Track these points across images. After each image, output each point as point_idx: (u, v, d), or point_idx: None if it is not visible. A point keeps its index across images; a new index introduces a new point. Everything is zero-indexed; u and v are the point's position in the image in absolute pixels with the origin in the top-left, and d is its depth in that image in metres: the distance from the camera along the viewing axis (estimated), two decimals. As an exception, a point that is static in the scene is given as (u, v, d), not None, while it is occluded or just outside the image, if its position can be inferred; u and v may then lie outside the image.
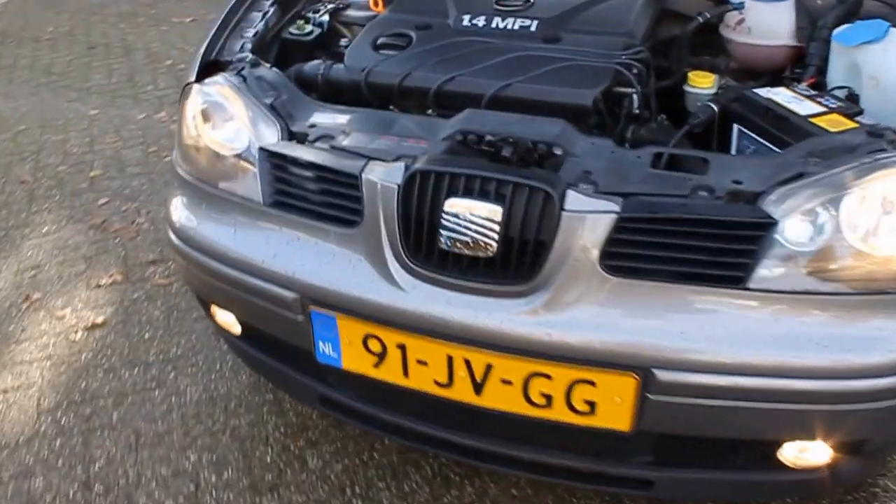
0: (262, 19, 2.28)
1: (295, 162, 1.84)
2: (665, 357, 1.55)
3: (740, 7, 2.10)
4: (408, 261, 1.69)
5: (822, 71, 2.05)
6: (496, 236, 1.60)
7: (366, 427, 2.07)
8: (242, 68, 2.08)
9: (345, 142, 1.83)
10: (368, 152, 1.77)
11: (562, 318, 1.60)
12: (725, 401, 1.56)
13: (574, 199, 1.57)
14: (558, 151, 1.68)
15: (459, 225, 1.62)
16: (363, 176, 1.72)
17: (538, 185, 1.57)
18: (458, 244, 1.62)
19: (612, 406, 1.63)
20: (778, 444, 1.68)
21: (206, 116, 2.03)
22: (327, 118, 1.93)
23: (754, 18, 2.10)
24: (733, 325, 1.55)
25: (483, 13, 2.17)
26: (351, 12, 2.48)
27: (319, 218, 1.81)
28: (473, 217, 1.61)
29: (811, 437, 1.62)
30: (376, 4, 2.38)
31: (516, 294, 1.62)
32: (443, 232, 1.63)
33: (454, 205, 1.62)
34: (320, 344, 1.85)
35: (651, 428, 1.65)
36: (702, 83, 2.09)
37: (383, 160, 1.74)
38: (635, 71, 1.94)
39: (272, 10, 2.32)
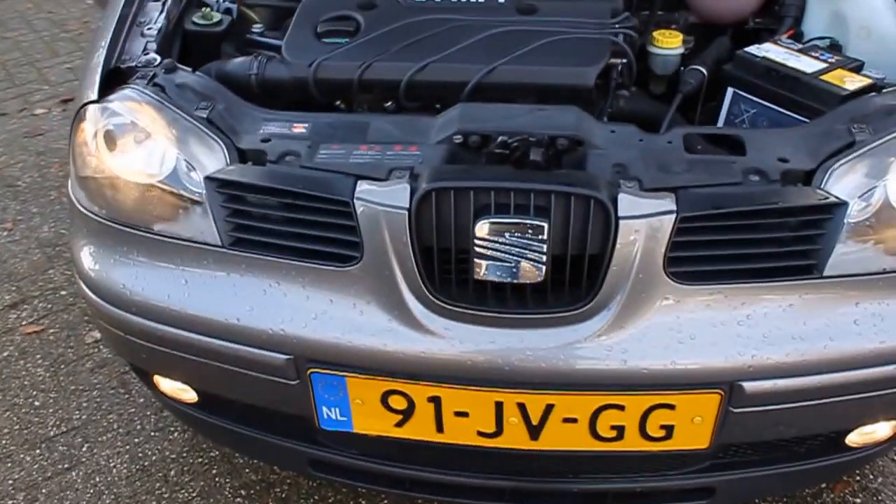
0: (161, 11, 1.85)
1: (259, 190, 1.49)
2: (751, 366, 1.38)
3: (706, -42, 1.93)
4: (435, 299, 1.41)
5: (799, 21, 1.93)
6: (544, 257, 1.35)
7: (371, 487, 1.77)
8: (154, 75, 1.66)
9: (316, 157, 1.49)
10: (351, 169, 1.45)
11: (632, 339, 1.39)
12: (813, 400, 1.43)
13: (627, 203, 1.35)
14: (581, 145, 1.44)
15: (498, 249, 1.35)
16: (355, 201, 1.41)
17: (588, 192, 1.33)
18: (499, 272, 1.36)
19: (692, 427, 1.45)
20: (851, 430, 1.58)
21: (110, 140, 1.62)
22: (281, 129, 1.57)
23: (722, -31, 1.94)
24: (815, 319, 1.40)
25: None
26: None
27: (304, 256, 1.48)
28: (514, 238, 1.35)
29: (894, 418, 1.52)
30: None
31: (575, 319, 1.39)
32: (478, 260, 1.36)
33: (488, 226, 1.35)
34: (324, 410, 1.54)
35: (730, 440, 1.49)
36: (669, 43, 1.89)
37: (374, 178, 1.43)
38: (628, 40, 1.72)
39: None
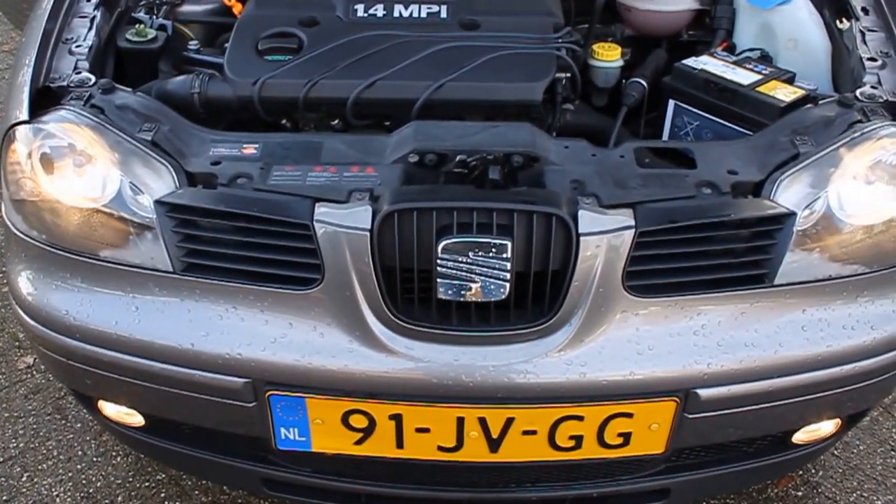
0: (90, 28, 1.79)
1: (214, 214, 1.46)
2: (706, 374, 1.43)
3: (642, -28, 1.98)
4: (397, 319, 1.41)
5: (730, 33, 1.99)
6: (508, 275, 1.36)
7: (325, 503, 1.76)
8: (91, 96, 1.61)
9: (270, 180, 1.47)
10: (309, 191, 1.44)
11: (592, 352, 1.42)
12: (764, 404, 1.49)
13: (588, 220, 1.37)
14: (538, 161, 1.47)
15: (461, 269, 1.36)
16: (315, 223, 1.40)
17: (550, 210, 1.35)
18: (462, 292, 1.37)
19: (648, 433, 1.49)
20: (798, 429, 1.64)
21: (47, 163, 1.56)
22: (231, 150, 1.54)
23: (657, -17, 1.99)
24: (766, 326, 1.46)
25: (378, 0, 1.86)
26: (187, 7, 2.04)
27: (261, 280, 1.46)
28: (477, 257, 1.36)
29: (838, 416, 1.60)
30: None
31: (537, 335, 1.41)
32: (441, 280, 1.37)
33: (451, 246, 1.35)
34: (282, 431, 1.53)
35: (685, 444, 1.54)
36: (609, 56, 1.94)
37: (333, 200, 1.42)
38: (572, 54, 1.75)
39: (98, 13, 1.82)
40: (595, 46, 1.95)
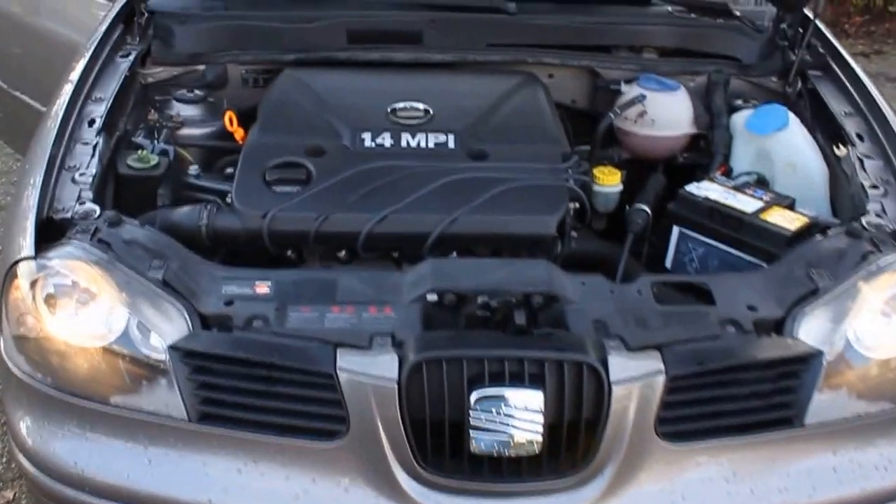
0: (93, 155, 1.74)
1: (232, 362, 1.41)
2: None
3: (641, 99, 2.02)
4: (427, 473, 1.36)
5: (727, 157, 2.03)
6: (541, 428, 1.34)
7: None
8: (97, 230, 1.56)
9: (287, 322, 1.43)
10: (329, 335, 1.41)
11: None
12: None
13: (618, 367, 1.36)
14: (557, 301, 1.46)
15: (493, 421, 1.33)
16: (339, 372, 1.36)
17: (582, 358, 1.34)
18: (495, 445, 1.34)
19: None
20: None
21: (51, 301, 1.50)
22: (243, 289, 1.50)
23: (657, 110, 2.03)
24: (798, 469, 1.45)
25: (385, 129, 1.86)
26: (188, 131, 2.02)
27: (282, 432, 1.40)
28: (510, 409, 1.33)
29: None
30: (231, 123, 1.94)
31: (571, 487, 1.38)
32: (474, 433, 1.33)
33: (483, 397, 1.32)
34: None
35: None
36: (610, 181, 1.95)
37: (355, 345, 1.39)
38: (581, 184, 1.77)
39: (100, 139, 1.78)
40: (595, 171, 1.96)
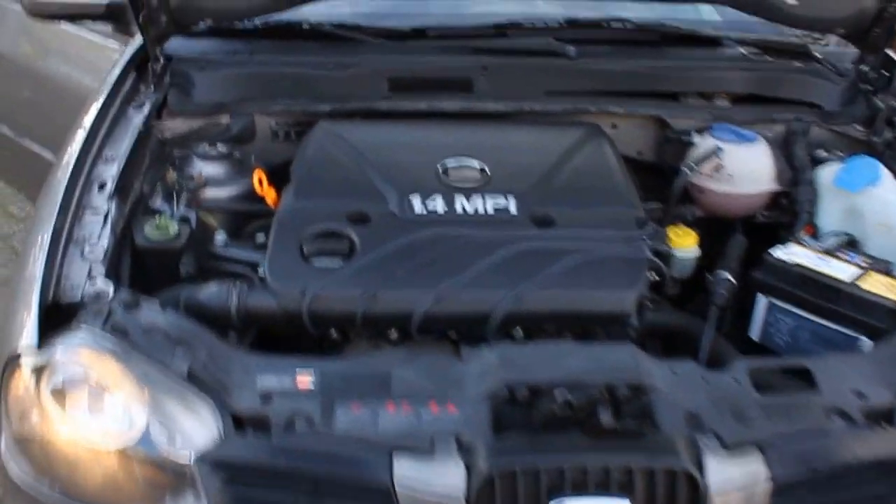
0: (104, 224, 1.55)
1: (271, 475, 1.21)
2: None
3: (718, 152, 1.81)
4: None
5: (812, 215, 1.83)
6: (630, 544, 1.13)
7: None
8: (111, 312, 1.36)
9: (336, 423, 1.24)
10: (383, 438, 1.21)
11: None
12: None
13: (716, 471, 1.18)
14: (645, 393, 1.26)
15: (577, 539, 1.13)
16: (396, 482, 1.16)
17: (674, 465, 1.16)
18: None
19: None
20: None
21: (59, 398, 1.30)
22: (282, 382, 1.30)
23: (735, 164, 1.82)
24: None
25: (436, 191, 1.64)
26: (211, 192, 1.80)
27: None
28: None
29: None
30: (261, 185, 1.74)
31: None
32: (556, 556, 1.13)
33: (563, 511, 1.13)
34: None
35: None
36: (685, 243, 1.73)
37: (413, 447, 1.19)
38: (659, 254, 1.56)
39: (112, 205, 1.59)
40: (669, 232, 1.75)
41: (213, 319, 1.46)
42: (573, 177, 1.70)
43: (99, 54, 2.58)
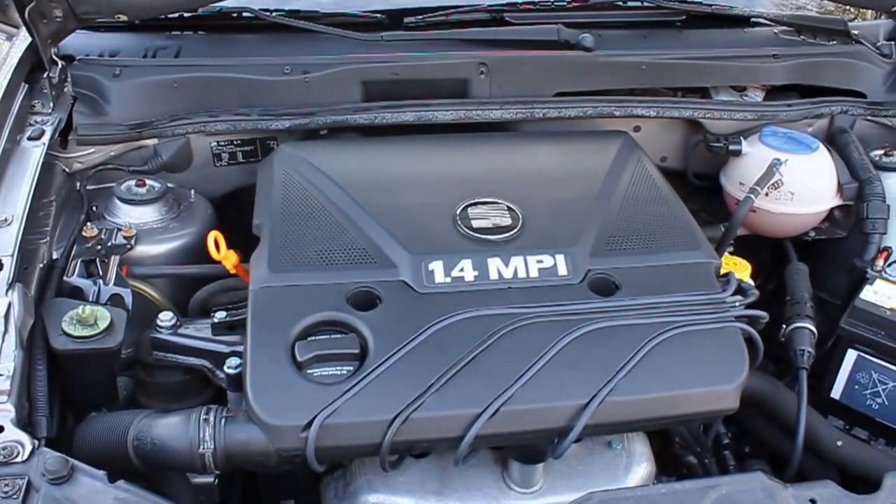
0: (4, 330, 1.07)
1: None
2: None
3: (777, 166, 1.48)
4: None
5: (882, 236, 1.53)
6: None
7: None
8: (28, 488, 0.93)
9: None
10: None
11: None
12: None
13: None
14: None
15: None
16: None
17: None
18: None
19: None
20: None
21: None
22: None
23: (796, 179, 1.50)
24: None
25: (460, 251, 1.23)
26: (144, 249, 1.35)
27: None
28: None
29: None
30: (217, 247, 1.29)
31: None
32: None
33: None
34: None
35: None
36: (740, 276, 1.41)
37: None
38: (755, 323, 1.22)
39: (14, 297, 1.12)
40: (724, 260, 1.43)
41: (175, 465, 1.06)
42: (626, 213, 1.32)
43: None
